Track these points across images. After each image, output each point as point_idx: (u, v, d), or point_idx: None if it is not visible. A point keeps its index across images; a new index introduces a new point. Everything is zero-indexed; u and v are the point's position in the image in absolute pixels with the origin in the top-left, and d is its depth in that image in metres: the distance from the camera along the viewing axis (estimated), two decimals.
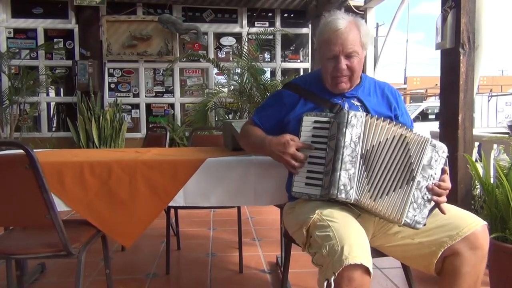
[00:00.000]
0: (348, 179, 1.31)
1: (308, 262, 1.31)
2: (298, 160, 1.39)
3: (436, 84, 15.64)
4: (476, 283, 1.30)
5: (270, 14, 6.27)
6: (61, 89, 6.63)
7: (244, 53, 5.69)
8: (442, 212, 1.34)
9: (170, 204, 1.75)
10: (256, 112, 1.68)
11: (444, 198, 1.34)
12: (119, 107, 5.48)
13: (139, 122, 6.05)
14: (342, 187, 1.30)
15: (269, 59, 6.33)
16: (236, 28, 6.19)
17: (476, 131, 2.69)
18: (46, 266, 2.47)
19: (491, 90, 15.53)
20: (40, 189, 1.42)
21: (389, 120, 1.37)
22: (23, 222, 1.71)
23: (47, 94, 6.27)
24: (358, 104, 1.53)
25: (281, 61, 6.30)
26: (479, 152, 2.87)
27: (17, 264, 2.09)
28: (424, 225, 1.31)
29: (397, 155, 1.33)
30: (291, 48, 6.44)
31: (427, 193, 1.32)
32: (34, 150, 1.41)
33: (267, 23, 6.21)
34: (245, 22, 6.17)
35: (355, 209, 1.36)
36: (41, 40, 5.78)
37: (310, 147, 1.40)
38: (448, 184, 1.35)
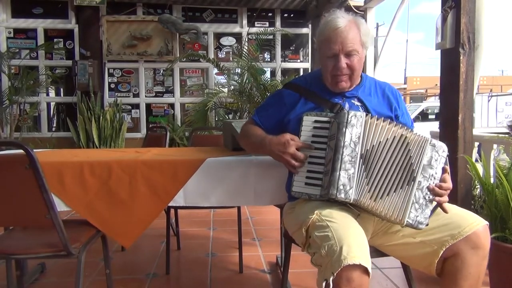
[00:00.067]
0: (348, 179, 1.31)
1: (308, 262, 1.31)
2: (298, 159, 1.39)
3: (436, 84, 15.64)
4: (477, 283, 1.30)
5: (270, 14, 6.27)
6: (61, 89, 6.63)
7: (244, 53, 5.69)
8: (445, 211, 1.34)
9: (170, 204, 1.75)
10: (256, 112, 1.68)
11: (445, 198, 1.33)
12: (119, 107, 5.48)
13: (139, 122, 6.05)
14: (341, 187, 1.30)
15: (269, 59, 6.33)
16: (236, 28, 6.19)
17: (476, 131, 2.69)
18: (46, 266, 2.47)
19: (491, 90, 15.54)
20: (40, 189, 1.42)
21: (389, 120, 1.37)
22: (23, 222, 1.71)
23: (47, 94, 6.27)
24: (359, 104, 1.53)
25: (281, 61, 6.30)
26: (479, 152, 2.87)
27: (17, 264, 2.09)
28: (427, 225, 1.31)
29: (397, 155, 1.33)
30: (291, 48, 6.44)
31: (428, 193, 1.31)
32: (34, 150, 1.41)
33: (267, 23, 6.21)
34: (245, 22, 6.17)
35: (354, 209, 1.36)
36: (41, 40, 5.78)
37: (310, 147, 1.40)
38: (449, 184, 1.34)
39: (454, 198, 2.16)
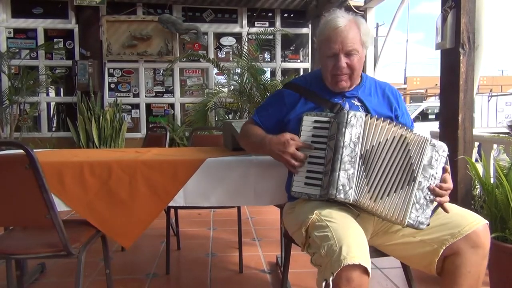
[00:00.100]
0: (347, 179, 1.31)
1: (308, 262, 1.31)
2: (298, 159, 1.39)
3: (436, 84, 15.64)
4: (477, 282, 1.30)
5: (270, 14, 6.26)
6: (61, 89, 6.62)
7: (244, 53, 5.69)
8: (446, 211, 1.34)
9: (170, 204, 1.75)
10: (256, 112, 1.68)
11: (446, 198, 1.33)
12: (119, 107, 5.48)
13: (139, 122, 6.05)
14: (341, 187, 1.30)
15: (269, 59, 6.33)
16: (236, 28, 6.19)
17: (476, 131, 2.69)
18: (46, 266, 2.47)
19: (491, 90, 15.53)
20: (40, 189, 1.42)
21: (389, 120, 1.37)
22: (23, 222, 1.71)
23: (47, 94, 6.26)
24: (359, 104, 1.53)
25: (281, 61, 6.29)
26: (479, 152, 2.87)
27: (17, 264, 2.09)
28: (428, 225, 1.31)
29: (397, 156, 1.33)
30: (291, 48, 6.44)
31: (429, 193, 1.31)
32: (34, 150, 1.41)
33: (267, 23, 6.21)
34: (245, 22, 6.17)
35: (354, 209, 1.36)
36: (41, 40, 5.77)
37: (310, 146, 1.40)
38: (449, 184, 1.34)
39: (454, 198, 2.16)
